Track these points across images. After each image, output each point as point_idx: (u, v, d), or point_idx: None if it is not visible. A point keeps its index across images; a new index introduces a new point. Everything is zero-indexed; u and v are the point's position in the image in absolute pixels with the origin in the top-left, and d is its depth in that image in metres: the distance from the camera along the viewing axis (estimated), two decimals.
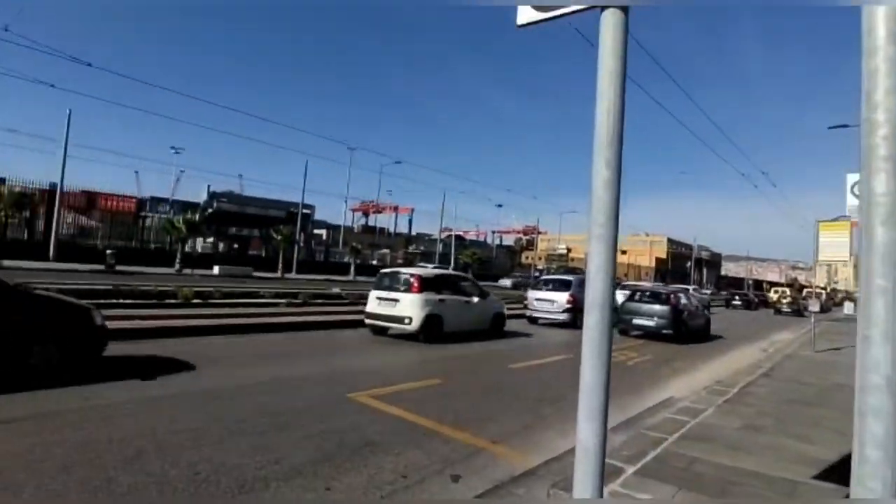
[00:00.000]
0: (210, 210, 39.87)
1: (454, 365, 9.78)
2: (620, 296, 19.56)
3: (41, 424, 4.65)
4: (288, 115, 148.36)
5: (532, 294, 18.17)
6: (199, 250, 40.26)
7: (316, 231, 58.77)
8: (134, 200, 50.78)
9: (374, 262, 55.57)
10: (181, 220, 31.93)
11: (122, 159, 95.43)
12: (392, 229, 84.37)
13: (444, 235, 61.02)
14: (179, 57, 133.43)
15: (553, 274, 30.73)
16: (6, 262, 21.58)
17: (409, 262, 50.70)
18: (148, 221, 43.94)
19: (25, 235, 32.12)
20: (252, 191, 62.49)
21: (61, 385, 5.89)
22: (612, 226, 1.91)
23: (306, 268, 41.10)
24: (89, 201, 46.07)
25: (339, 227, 64.14)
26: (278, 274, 35.67)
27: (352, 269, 42.20)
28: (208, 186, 47.14)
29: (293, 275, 37.07)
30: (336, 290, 23.61)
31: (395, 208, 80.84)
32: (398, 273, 12.50)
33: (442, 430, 5.25)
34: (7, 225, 28.09)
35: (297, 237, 42.05)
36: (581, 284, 15.80)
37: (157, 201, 53.49)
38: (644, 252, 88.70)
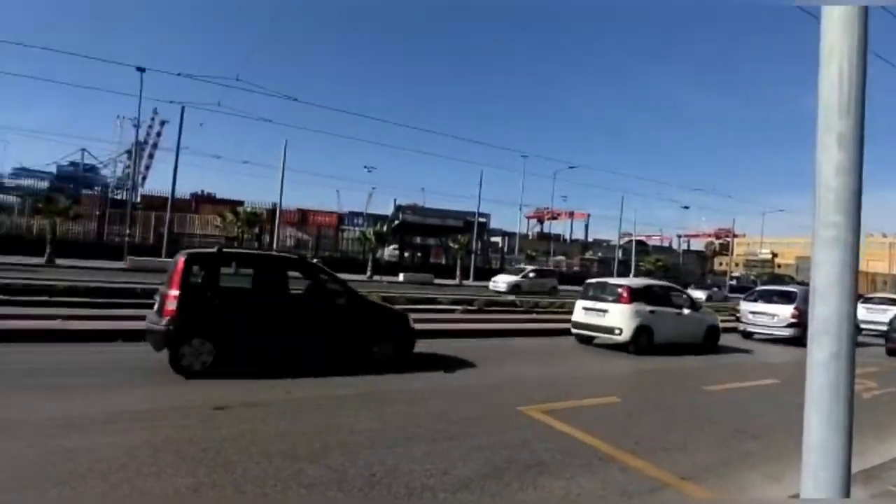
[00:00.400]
0: (396, 222, 43.37)
1: (645, 380, 9.16)
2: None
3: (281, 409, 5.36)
4: (463, 127, 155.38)
5: (746, 306, 16.30)
6: (387, 258, 44.01)
7: (492, 239, 60.16)
8: (335, 215, 58.00)
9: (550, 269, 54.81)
10: (371, 232, 35.37)
11: (326, 179, 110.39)
12: (567, 235, 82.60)
13: (623, 241, 57.64)
14: (369, 84, 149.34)
15: (767, 284, 27.09)
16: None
17: (585, 269, 49.01)
18: (346, 233, 49.71)
19: (256, 248, 38.75)
20: (433, 202, 66.59)
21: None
22: (850, 226, 1.40)
23: (483, 275, 42.16)
24: (302, 217, 53.83)
25: (514, 234, 64.77)
26: (456, 281, 37.21)
27: None
28: (395, 200, 51.64)
29: (470, 282, 38.35)
30: (511, 297, 23.75)
31: (571, 214, 78.99)
32: (606, 283, 12.59)
33: (620, 457, 4.75)
34: (243, 240, 34.02)
35: (474, 245, 43.48)
36: (807, 297, 13.80)
37: (353, 215, 60.26)
38: (881, 256, 73.09)
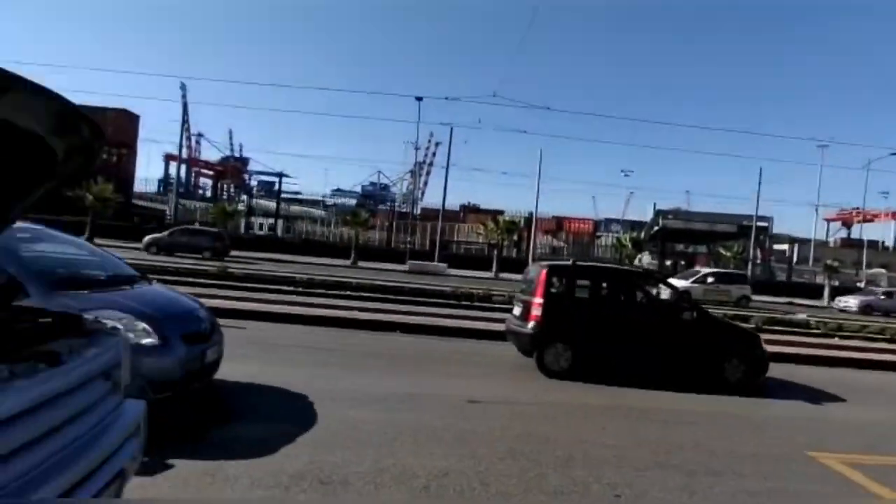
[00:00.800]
0: (655, 228, 40.47)
1: None
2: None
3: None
4: (736, 119, 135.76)
5: None
6: (646, 266, 41.35)
7: (776, 246, 51.12)
8: (590, 222, 57.38)
9: (860, 285, 43.73)
10: (627, 238, 33.73)
11: (582, 186, 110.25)
12: (890, 242, 64.62)
13: None
14: (626, 85, 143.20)
15: None
16: (502, 275, 27.78)
17: None
18: (602, 240, 48.63)
19: (514, 254, 40.96)
20: (700, 206, 60.11)
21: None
22: None
23: (765, 289, 36.09)
24: (558, 225, 54.86)
25: (807, 240, 53.77)
26: None
27: (825, 291, 34.44)
28: (654, 205, 48.15)
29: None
30: (802, 316, 19.65)
31: (895, 214, 61.63)
32: None
33: None
34: (502, 247, 36.31)
35: (751, 253, 37.59)
36: None
37: (609, 222, 58.63)
38: None
